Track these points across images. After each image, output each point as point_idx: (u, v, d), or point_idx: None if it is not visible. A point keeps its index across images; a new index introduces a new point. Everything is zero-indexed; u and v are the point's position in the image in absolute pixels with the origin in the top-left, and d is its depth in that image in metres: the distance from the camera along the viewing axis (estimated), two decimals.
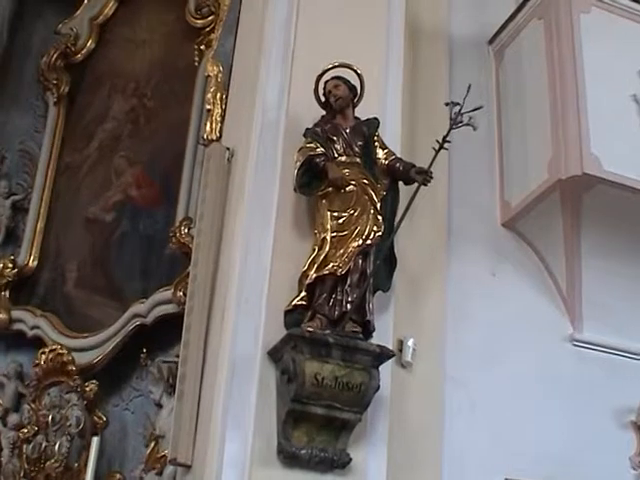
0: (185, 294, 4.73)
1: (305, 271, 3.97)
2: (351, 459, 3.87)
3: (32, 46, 7.17)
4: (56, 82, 6.85)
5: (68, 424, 5.34)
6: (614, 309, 4.95)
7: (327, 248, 3.96)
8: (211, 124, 5.23)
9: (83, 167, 6.47)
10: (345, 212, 4.02)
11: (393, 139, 4.45)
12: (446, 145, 4.01)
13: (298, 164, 4.08)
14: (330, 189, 4.06)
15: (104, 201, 6.13)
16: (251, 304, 4.02)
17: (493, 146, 5.30)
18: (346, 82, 4.29)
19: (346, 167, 4.12)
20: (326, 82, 4.31)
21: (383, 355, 3.91)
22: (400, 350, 4.39)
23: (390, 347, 4.03)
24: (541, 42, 5.13)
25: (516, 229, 5.11)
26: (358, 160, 4.17)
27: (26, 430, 5.53)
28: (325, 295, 3.92)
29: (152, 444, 5.00)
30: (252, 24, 4.92)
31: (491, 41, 5.56)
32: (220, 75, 5.37)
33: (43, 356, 5.69)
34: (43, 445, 5.36)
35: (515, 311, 4.89)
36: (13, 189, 6.73)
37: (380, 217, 4.03)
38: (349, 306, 3.90)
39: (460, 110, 3.92)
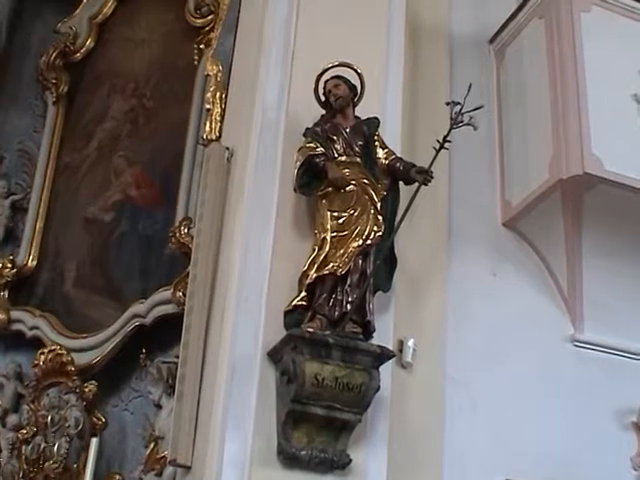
0: (184, 294, 4.72)
1: (305, 271, 3.96)
2: (351, 460, 3.86)
3: (31, 45, 7.16)
4: (55, 81, 6.84)
5: (67, 425, 5.33)
6: (615, 309, 4.94)
7: (327, 248, 3.95)
8: (211, 124, 5.21)
9: (82, 167, 6.46)
10: (345, 212, 4.01)
11: (393, 139, 4.44)
12: (447, 145, 4.00)
13: (298, 164, 4.07)
14: (330, 189, 4.05)
15: (103, 201, 6.12)
16: (251, 304, 4.01)
17: (494, 146, 5.29)
18: (346, 81, 4.28)
19: (346, 167, 4.11)
20: (326, 81, 4.30)
21: (383, 356, 3.90)
22: (400, 351, 4.38)
23: (390, 348, 4.02)
24: (542, 41, 5.12)
25: (517, 229, 5.10)
26: (358, 160, 4.16)
27: (25, 431, 5.53)
28: (325, 295, 3.91)
29: (151, 445, 4.99)
30: (252, 23, 4.91)
31: (492, 40, 5.55)
32: (220, 74, 5.36)
33: (42, 356, 5.68)
34: (42, 446, 5.35)
35: (516, 311, 4.87)
36: (12, 189, 6.73)
37: (380, 217, 4.03)
38: (349, 306, 3.89)
39: (461, 110, 3.91)
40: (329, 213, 4.02)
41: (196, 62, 5.82)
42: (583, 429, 4.73)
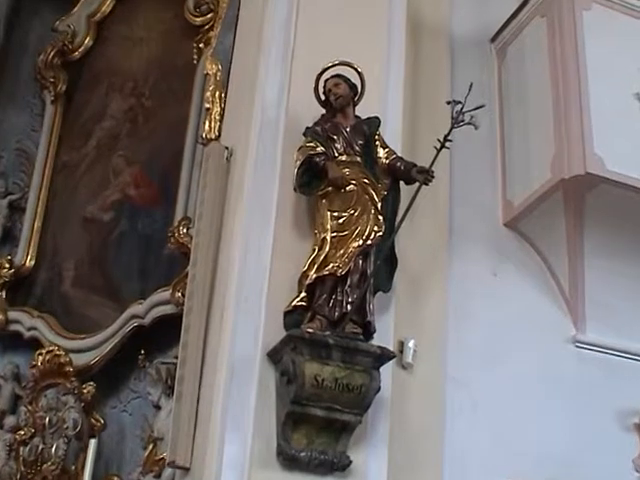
0: (184, 295, 4.70)
1: (305, 271, 3.95)
2: (351, 461, 3.85)
3: (29, 44, 7.15)
4: (53, 80, 6.83)
5: (65, 426, 5.32)
6: (617, 310, 4.93)
7: (327, 248, 3.94)
8: (210, 123, 5.20)
9: (81, 166, 6.45)
10: (345, 212, 3.99)
11: (394, 138, 4.42)
12: (448, 144, 3.98)
13: (298, 163, 4.06)
14: (330, 189, 4.04)
15: (102, 200, 6.10)
16: (251, 304, 3.99)
17: (495, 145, 5.27)
18: (346, 80, 4.26)
19: (346, 166, 4.09)
20: (326, 80, 4.28)
21: (384, 356, 3.89)
22: (401, 351, 4.37)
23: (391, 348, 4.01)
24: (543, 40, 5.11)
25: (518, 229, 5.08)
26: (359, 159, 4.15)
27: (23, 432, 5.51)
28: (325, 296, 3.90)
29: (150, 446, 4.97)
30: (251, 21, 4.90)
31: (493, 39, 5.53)
32: (219, 73, 5.34)
33: (40, 357, 5.67)
34: (40, 447, 5.35)
35: (517, 311, 4.86)
36: (10, 188, 6.72)
37: (381, 217, 4.01)
38: (349, 307, 3.88)
39: (462, 109, 3.89)
40: (329, 213, 4.01)
41: (195, 61, 5.80)
42: (585, 430, 4.72)
